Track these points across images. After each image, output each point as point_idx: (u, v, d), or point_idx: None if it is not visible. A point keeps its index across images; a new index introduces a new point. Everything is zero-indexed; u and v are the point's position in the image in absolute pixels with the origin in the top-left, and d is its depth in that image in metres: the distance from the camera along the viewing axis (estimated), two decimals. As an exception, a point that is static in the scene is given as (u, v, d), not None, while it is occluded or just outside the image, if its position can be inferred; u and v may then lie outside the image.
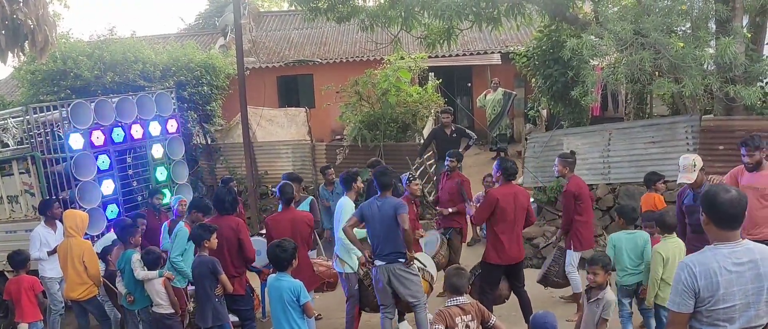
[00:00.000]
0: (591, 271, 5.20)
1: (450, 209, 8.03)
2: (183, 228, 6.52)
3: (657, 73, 9.55)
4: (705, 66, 9.02)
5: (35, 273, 7.40)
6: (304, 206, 7.79)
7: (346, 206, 6.84)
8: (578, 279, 7.35)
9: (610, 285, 5.59)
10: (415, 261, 6.38)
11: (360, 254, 6.64)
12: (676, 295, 3.18)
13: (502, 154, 14.63)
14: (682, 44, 8.59)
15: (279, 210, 7.04)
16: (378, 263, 6.25)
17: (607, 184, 10.41)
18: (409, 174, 7.35)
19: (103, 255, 7.20)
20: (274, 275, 5.33)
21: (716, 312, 3.13)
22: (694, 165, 5.88)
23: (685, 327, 3.23)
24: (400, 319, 7.34)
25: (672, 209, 6.45)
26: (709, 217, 3.18)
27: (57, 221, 7.66)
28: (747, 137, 6.05)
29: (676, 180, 6.41)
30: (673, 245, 5.75)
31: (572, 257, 7.34)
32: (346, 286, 6.95)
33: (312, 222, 6.83)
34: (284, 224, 6.50)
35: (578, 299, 7.44)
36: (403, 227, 6.01)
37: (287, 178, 8.10)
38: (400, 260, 6.18)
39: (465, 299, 4.74)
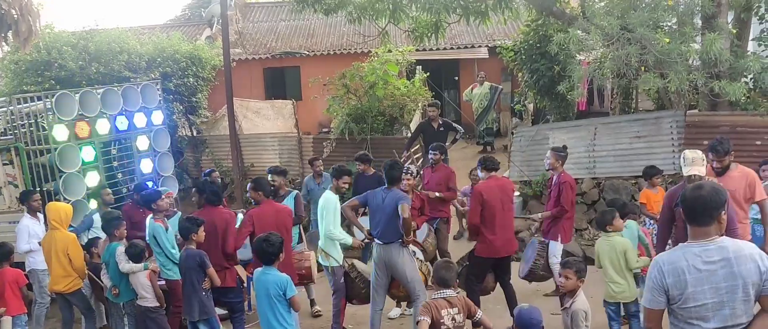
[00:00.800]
0: (563, 274, 5.14)
1: (437, 193, 8.05)
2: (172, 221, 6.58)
3: (643, 68, 9.61)
4: (690, 62, 9.10)
5: (18, 265, 7.32)
6: (289, 201, 7.75)
7: (329, 202, 6.88)
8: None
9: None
10: (412, 248, 6.59)
11: (350, 241, 6.93)
12: (648, 292, 3.26)
13: (489, 148, 14.69)
14: (668, 40, 8.65)
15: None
16: (377, 242, 6.49)
17: (592, 178, 10.48)
18: (406, 168, 7.37)
19: (89, 247, 7.15)
20: (260, 269, 5.31)
21: (688, 310, 3.15)
22: (703, 159, 5.58)
23: (659, 323, 3.29)
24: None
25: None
26: (683, 213, 3.23)
27: (38, 213, 7.58)
28: (716, 142, 5.98)
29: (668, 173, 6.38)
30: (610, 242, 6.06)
31: (557, 248, 7.43)
32: (332, 280, 6.96)
33: (293, 215, 6.80)
34: (268, 218, 6.42)
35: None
36: (403, 215, 6.21)
37: (272, 172, 8.08)
38: (398, 240, 6.40)
39: (452, 292, 4.75)
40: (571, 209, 7.42)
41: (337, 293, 6.94)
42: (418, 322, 4.63)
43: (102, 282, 6.69)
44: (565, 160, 7.55)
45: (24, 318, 6.94)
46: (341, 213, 6.85)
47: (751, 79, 9.75)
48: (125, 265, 6.27)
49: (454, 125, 11.21)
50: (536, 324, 4.30)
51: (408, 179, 7.47)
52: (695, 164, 5.43)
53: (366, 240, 6.86)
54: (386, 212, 6.38)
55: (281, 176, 8.01)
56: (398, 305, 7.82)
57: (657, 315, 3.26)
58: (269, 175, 8.05)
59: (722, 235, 3.17)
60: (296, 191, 8.01)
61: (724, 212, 3.14)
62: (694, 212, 3.16)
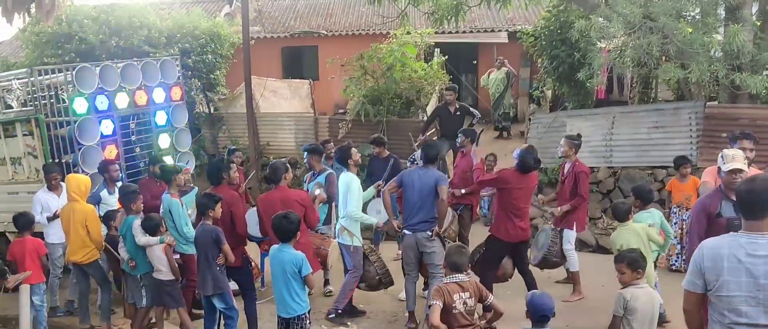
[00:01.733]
0: (617, 268, 4.91)
1: (463, 191, 7.99)
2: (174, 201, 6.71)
3: (664, 57, 9.54)
4: (712, 53, 9.00)
5: (39, 235, 7.44)
6: (320, 179, 7.73)
7: (353, 182, 6.95)
8: (576, 257, 7.48)
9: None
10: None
11: (375, 221, 7.19)
12: (688, 274, 3.27)
13: (505, 134, 14.64)
14: (690, 30, 8.57)
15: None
16: (406, 232, 6.60)
17: (608, 167, 10.43)
18: (411, 157, 7.44)
19: (107, 219, 7.24)
20: (276, 246, 5.38)
21: (720, 300, 3.12)
22: (743, 156, 5.04)
23: (698, 309, 3.28)
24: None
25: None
26: (738, 205, 3.22)
27: (62, 185, 7.67)
28: (747, 132, 5.95)
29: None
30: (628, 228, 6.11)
31: (572, 235, 7.45)
32: (351, 259, 7.00)
33: (306, 201, 6.60)
34: (274, 204, 6.35)
35: (576, 279, 7.53)
36: (442, 197, 6.43)
37: (308, 149, 8.02)
38: (428, 233, 6.52)
39: (464, 276, 4.79)
40: (586, 198, 7.45)
41: (354, 272, 6.98)
42: (430, 306, 4.68)
43: (119, 254, 6.78)
44: (579, 148, 7.55)
45: (43, 287, 7.04)
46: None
47: (773, 72, 9.63)
48: (141, 238, 6.35)
49: (471, 109, 11.19)
50: (548, 310, 4.32)
51: (412, 168, 7.46)
52: (736, 159, 5.03)
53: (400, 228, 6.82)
54: (422, 191, 6.49)
55: (317, 155, 7.95)
56: None
57: (693, 298, 3.25)
58: (304, 153, 8.13)
59: None
60: (330, 170, 7.95)
61: None
62: (747, 204, 3.12)
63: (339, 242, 7.10)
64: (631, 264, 4.77)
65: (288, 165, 6.85)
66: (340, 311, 7.03)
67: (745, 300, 3.03)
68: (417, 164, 7.23)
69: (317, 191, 7.29)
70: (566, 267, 7.71)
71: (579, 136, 7.75)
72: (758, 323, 3.02)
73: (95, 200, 7.58)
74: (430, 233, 6.53)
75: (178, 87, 9.88)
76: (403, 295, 7.67)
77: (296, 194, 6.68)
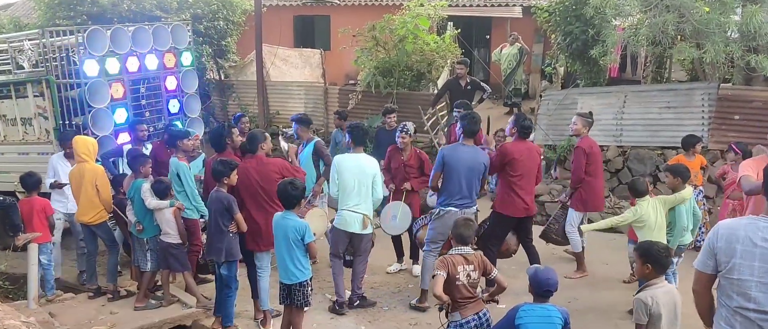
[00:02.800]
0: (638, 260, 4.29)
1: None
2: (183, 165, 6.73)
3: (679, 37, 9.42)
4: (728, 33, 8.88)
5: (47, 195, 7.50)
6: (309, 148, 7.73)
7: (377, 168, 6.74)
8: (578, 239, 7.44)
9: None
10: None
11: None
12: (701, 253, 3.23)
13: (516, 109, 14.57)
14: (707, 9, 8.45)
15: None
16: (452, 209, 6.34)
17: (618, 146, 10.37)
18: (403, 125, 7.33)
19: (116, 182, 7.28)
20: (280, 213, 5.40)
21: (731, 282, 3.07)
22: None
23: (707, 290, 3.24)
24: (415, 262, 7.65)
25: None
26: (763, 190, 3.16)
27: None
28: None
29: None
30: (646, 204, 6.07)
31: (573, 216, 7.39)
32: (362, 245, 6.73)
33: (286, 172, 6.21)
34: (249, 173, 6.19)
35: (579, 258, 7.54)
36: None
37: (296, 119, 8.04)
38: (474, 208, 6.49)
39: (469, 249, 4.79)
40: (592, 176, 7.29)
41: (364, 255, 6.82)
42: (433, 276, 4.69)
43: (127, 217, 6.83)
44: (591, 126, 7.46)
45: (50, 246, 7.14)
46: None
47: (790, 55, 9.49)
48: (152, 201, 6.39)
49: (482, 84, 11.13)
50: (553, 285, 4.30)
51: (403, 138, 7.33)
52: None
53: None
54: (474, 171, 6.32)
55: (304, 125, 7.95)
56: (399, 260, 7.91)
57: (703, 278, 3.21)
58: (293, 123, 8.09)
59: None
60: (317, 138, 7.93)
61: None
62: None
63: (355, 232, 6.60)
64: (655, 263, 4.10)
65: (266, 135, 6.57)
66: (363, 295, 6.89)
67: (756, 285, 2.97)
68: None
69: (285, 146, 7.05)
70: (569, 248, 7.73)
71: (591, 114, 7.65)
72: (766, 310, 2.97)
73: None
74: (477, 209, 6.47)
75: (188, 53, 9.85)
76: (392, 268, 7.76)
77: (273, 164, 6.33)
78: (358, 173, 6.51)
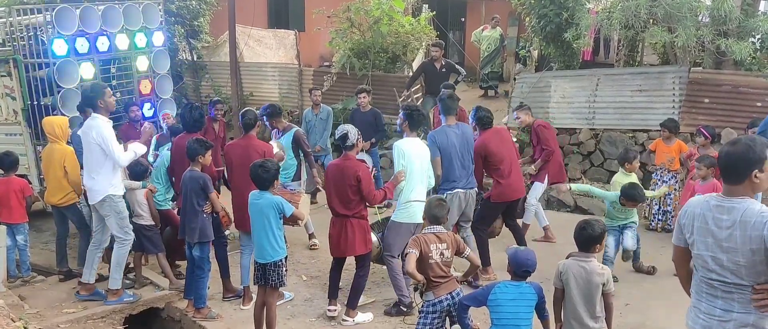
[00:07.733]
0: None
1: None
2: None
3: (652, 21, 9.52)
4: (700, 18, 9.00)
5: (23, 176, 7.40)
6: (288, 137, 7.52)
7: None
8: (533, 211, 7.88)
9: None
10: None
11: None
12: (674, 229, 3.39)
13: (493, 92, 14.64)
14: (679, -7, 8.53)
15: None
16: (458, 190, 6.39)
17: (590, 129, 10.48)
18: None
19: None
20: (255, 192, 5.39)
21: (695, 256, 3.24)
22: None
23: (684, 262, 3.38)
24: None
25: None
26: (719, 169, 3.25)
27: None
28: None
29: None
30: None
31: (538, 189, 7.84)
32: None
33: (269, 153, 6.22)
34: (238, 151, 6.25)
35: (548, 233, 8.03)
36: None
37: (267, 109, 7.79)
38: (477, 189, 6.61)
39: (442, 228, 4.83)
40: (557, 149, 7.83)
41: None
42: (406, 254, 4.72)
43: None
44: (531, 110, 7.97)
45: (26, 227, 7.08)
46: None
47: (758, 39, 9.66)
48: (124, 181, 6.31)
49: (457, 66, 11.14)
50: (531, 265, 4.36)
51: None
52: None
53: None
54: (468, 148, 6.40)
55: (276, 116, 7.67)
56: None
57: (678, 251, 3.37)
58: (263, 118, 7.75)
59: (754, 196, 3.08)
60: (296, 128, 7.81)
61: (758, 171, 3.00)
62: (724, 168, 3.13)
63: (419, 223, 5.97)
64: (577, 239, 4.41)
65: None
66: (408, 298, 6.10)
67: (713, 259, 3.11)
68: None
69: (275, 149, 6.89)
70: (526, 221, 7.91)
71: (523, 102, 8.20)
72: (726, 280, 3.09)
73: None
74: (481, 191, 6.56)
75: (160, 32, 9.70)
76: None
77: (260, 146, 6.34)
78: (423, 160, 6.08)
